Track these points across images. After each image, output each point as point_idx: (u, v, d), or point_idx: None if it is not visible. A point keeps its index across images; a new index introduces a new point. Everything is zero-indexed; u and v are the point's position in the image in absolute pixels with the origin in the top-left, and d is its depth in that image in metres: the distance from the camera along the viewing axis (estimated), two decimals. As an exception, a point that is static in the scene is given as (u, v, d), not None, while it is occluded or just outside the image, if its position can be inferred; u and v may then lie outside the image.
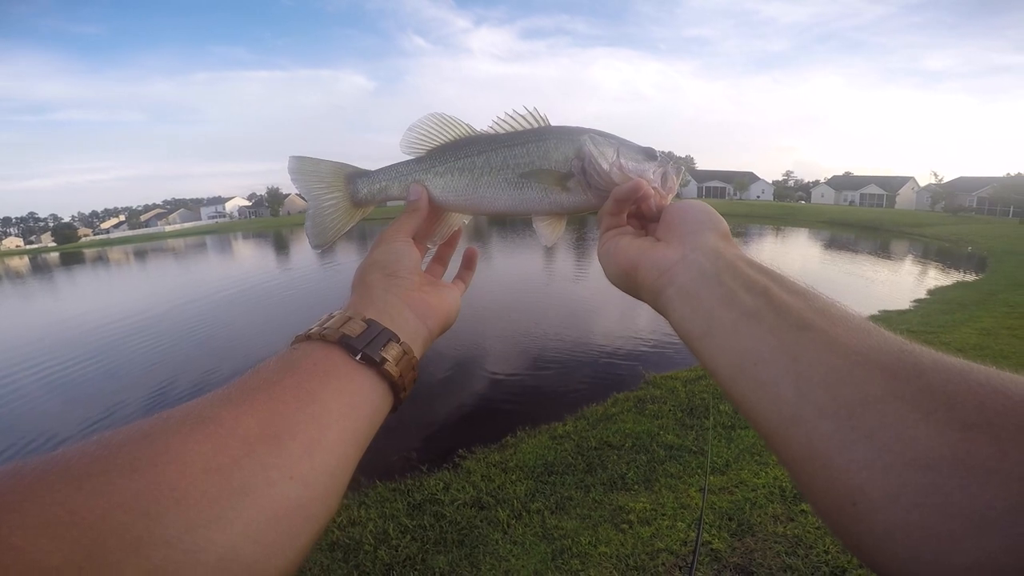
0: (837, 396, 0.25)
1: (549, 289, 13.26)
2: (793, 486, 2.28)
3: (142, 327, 9.91)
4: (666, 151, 0.46)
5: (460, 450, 3.92)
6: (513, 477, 3.21)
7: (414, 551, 2.71)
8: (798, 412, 0.26)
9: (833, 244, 21.21)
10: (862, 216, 35.22)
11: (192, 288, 15.36)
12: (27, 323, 12.93)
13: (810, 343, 0.28)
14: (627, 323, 9.09)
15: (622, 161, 0.44)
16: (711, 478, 2.87)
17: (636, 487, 2.94)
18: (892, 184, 57.46)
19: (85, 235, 70.43)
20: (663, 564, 2.35)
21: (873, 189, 57.73)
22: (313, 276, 15.50)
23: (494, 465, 3.41)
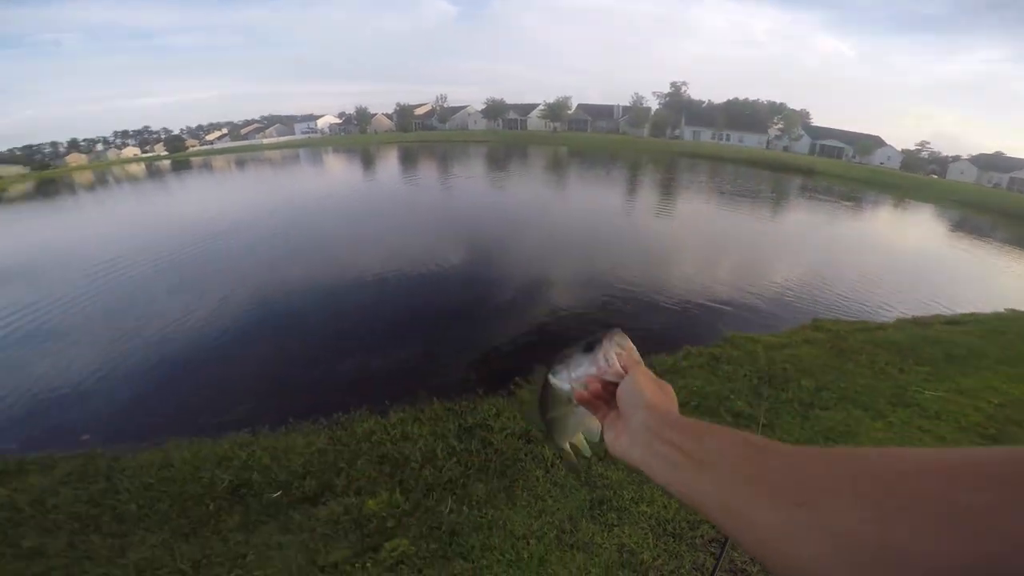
0: None
1: (627, 222, 12.71)
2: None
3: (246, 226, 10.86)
4: (616, 328, 0.53)
5: (517, 378, 3.91)
6: (563, 418, 3.16)
7: (457, 474, 2.77)
8: None
9: (962, 226, 18.50)
10: (1007, 201, 29.99)
11: (291, 195, 16.78)
12: (144, 220, 14.75)
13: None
14: (710, 271, 8.45)
15: (573, 375, 0.53)
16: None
17: (691, 452, 2.78)
18: (1055, 168, 48.10)
19: (192, 146, 76.94)
20: (702, 537, 2.23)
21: (1029, 172, 48.75)
22: (397, 185, 18.27)
23: (547, 402, 3.37)
